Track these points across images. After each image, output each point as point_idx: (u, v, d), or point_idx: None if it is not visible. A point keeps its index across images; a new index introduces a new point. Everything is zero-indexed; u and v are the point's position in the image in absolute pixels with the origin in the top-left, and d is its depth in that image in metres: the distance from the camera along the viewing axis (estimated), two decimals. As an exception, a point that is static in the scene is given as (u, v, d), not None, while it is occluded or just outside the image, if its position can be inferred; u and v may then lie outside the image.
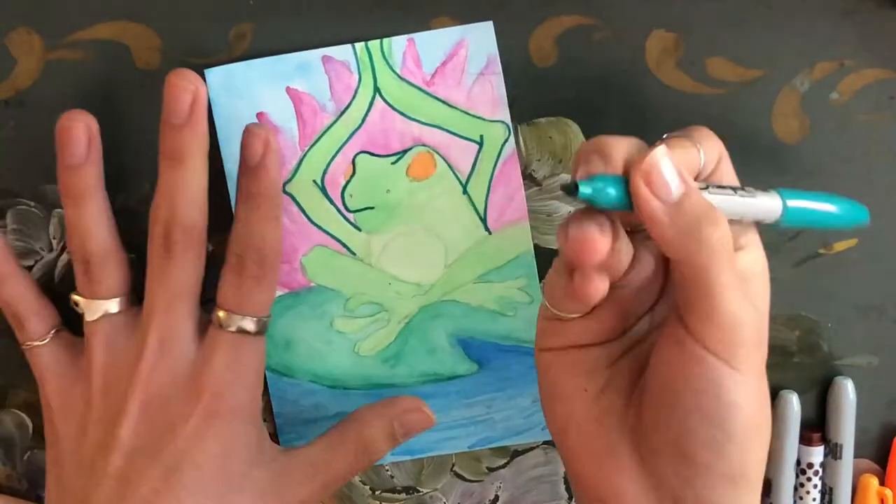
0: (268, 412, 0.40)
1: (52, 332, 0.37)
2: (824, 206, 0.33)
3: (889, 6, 0.38)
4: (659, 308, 0.33)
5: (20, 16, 0.36)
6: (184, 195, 0.34)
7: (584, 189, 0.28)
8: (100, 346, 0.35)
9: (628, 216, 0.29)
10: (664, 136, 0.31)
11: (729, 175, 0.32)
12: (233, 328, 0.34)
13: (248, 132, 0.34)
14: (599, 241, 0.28)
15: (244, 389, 0.34)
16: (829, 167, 0.40)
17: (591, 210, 0.29)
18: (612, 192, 0.28)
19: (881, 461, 0.42)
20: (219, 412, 0.34)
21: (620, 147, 0.29)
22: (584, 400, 0.32)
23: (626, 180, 0.29)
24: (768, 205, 0.31)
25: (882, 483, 0.42)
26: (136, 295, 0.36)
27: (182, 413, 0.34)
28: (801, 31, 0.38)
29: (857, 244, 0.40)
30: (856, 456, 0.42)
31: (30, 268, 0.39)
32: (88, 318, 0.35)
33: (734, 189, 0.31)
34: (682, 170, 0.29)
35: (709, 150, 0.31)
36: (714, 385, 0.29)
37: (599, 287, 0.30)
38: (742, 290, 0.29)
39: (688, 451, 0.29)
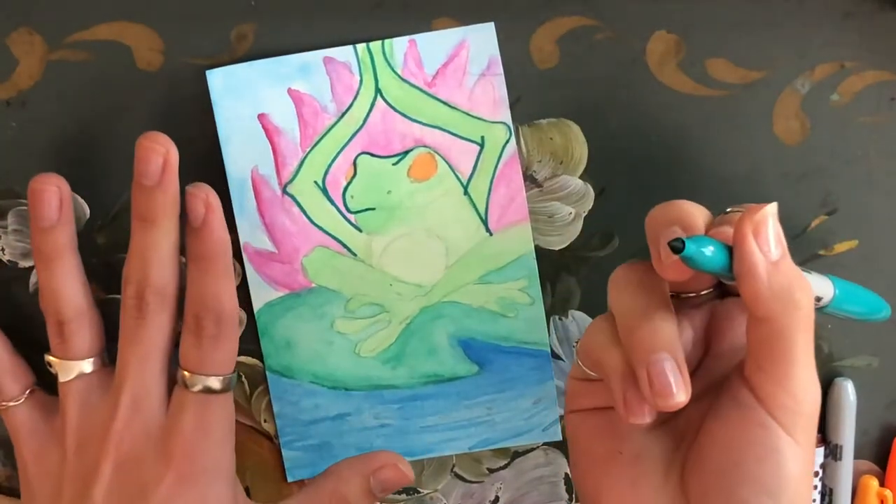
0: (268, 413, 0.40)
1: (27, 392, 0.37)
2: (860, 303, 0.35)
3: (889, 8, 0.39)
4: (697, 378, 0.32)
5: (22, 16, 0.36)
6: (155, 256, 0.34)
7: (691, 246, 0.28)
8: (73, 406, 0.35)
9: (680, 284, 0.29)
10: (731, 210, 0.31)
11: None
12: (198, 388, 0.34)
13: (188, 194, 0.34)
14: (682, 396, 0.28)
15: (215, 448, 0.34)
16: (830, 168, 0.40)
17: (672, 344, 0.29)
18: (711, 251, 0.28)
19: (881, 462, 0.42)
20: (190, 474, 0.34)
21: (699, 214, 0.30)
22: (619, 464, 0.32)
23: (722, 245, 0.29)
24: (823, 289, 0.32)
25: (882, 484, 0.42)
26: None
27: (154, 476, 0.33)
28: (802, 33, 0.38)
29: (858, 246, 0.40)
30: (856, 457, 0.42)
31: (31, 268, 0.39)
32: (62, 378, 0.35)
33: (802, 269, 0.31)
34: (781, 233, 0.29)
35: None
36: (775, 454, 0.29)
37: (649, 417, 0.30)
38: (812, 363, 0.29)
39: None
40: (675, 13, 0.38)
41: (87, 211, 0.38)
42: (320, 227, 0.38)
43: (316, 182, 0.38)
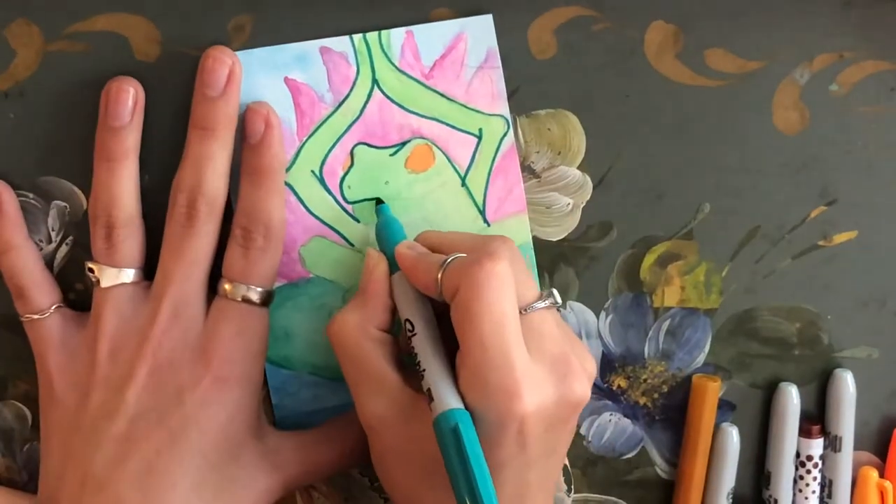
0: (266, 403, 0.40)
1: (54, 307, 0.37)
2: None
3: (888, -2, 0.38)
4: None
5: (19, 7, 0.36)
6: (211, 166, 0.35)
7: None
8: (110, 312, 0.35)
9: None
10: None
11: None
12: (238, 298, 0.35)
13: (249, 110, 0.36)
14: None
15: (251, 357, 0.36)
16: (829, 159, 0.39)
17: None
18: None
19: (881, 453, 0.42)
20: (227, 379, 0.35)
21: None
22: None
23: None
24: None
25: (882, 475, 0.42)
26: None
27: (191, 378, 0.34)
28: (801, 23, 0.38)
29: (857, 236, 0.40)
30: (855, 448, 0.41)
31: (29, 260, 0.39)
32: (104, 283, 0.36)
33: None
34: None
35: (449, 279, 0.33)
36: None
37: None
38: None
39: None
40: (673, 3, 0.38)
41: (85, 202, 0.38)
42: (318, 217, 0.38)
43: (313, 171, 0.38)
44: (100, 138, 0.35)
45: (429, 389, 0.32)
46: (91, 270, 0.36)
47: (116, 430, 0.34)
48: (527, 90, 0.38)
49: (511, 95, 0.38)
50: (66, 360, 0.36)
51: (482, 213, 0.39)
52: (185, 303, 0.35)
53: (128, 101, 0.35)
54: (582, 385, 0.32)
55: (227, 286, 0.35)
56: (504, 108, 0.38)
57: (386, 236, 0.36)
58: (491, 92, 0.38)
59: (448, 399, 0.31)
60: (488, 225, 0.39)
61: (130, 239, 0.36)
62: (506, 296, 0.31)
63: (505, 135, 0.38)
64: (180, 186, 0.35)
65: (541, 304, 0.33)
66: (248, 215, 0.35)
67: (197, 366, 0.34)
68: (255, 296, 0.35)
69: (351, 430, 0.37)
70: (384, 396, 0.33)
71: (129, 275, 0.36)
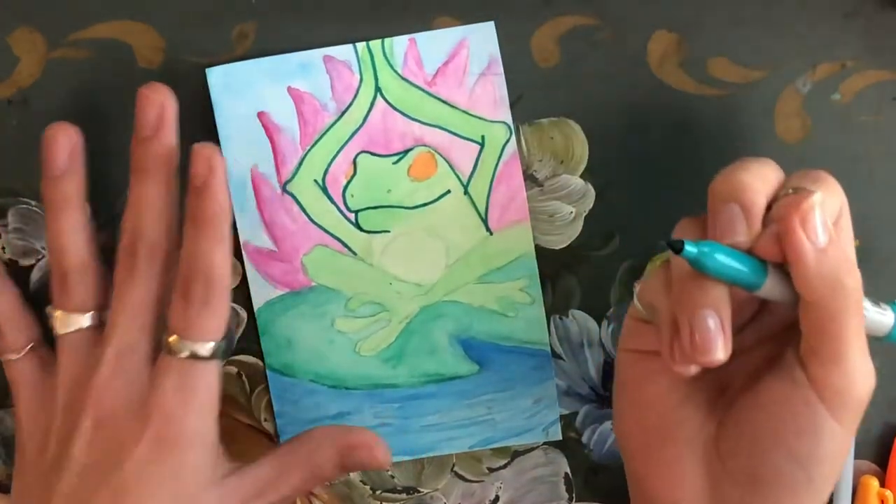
0: (268, 412, 0.40)
1: (29, 346, 0.36)
2: None
3: (891, 7, 0.38)
4: (748, 331, 0.33)
5: (22, 15, 0.36)
6: (148, 208, 0.34)
7: (691, 249, 0.29)
8: (67, 361, 0.35)
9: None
10: (792, 176, 0.31)
11: (846, 231, 0.32)
12: (183, 354, 0.33)
13: (193, 152, 0.33)
14: (721, 354, 0.29)
15: (195, 415, 0.33)
16: (831, 168, 0.39)
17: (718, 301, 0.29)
18: (722, 258, 0.29)
19: (881, 462, 0.42)
20: (168, 438, 0.33)
21: (760, 191, 0.30)
22: (661, 408, 0.32)
23: (736, 255, 0.29)
24: (881, 320, 0.33)
25: (882, 484, 0.42)
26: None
27: (132, 435, 0.33)
28: (803, 33, 0.38)
29: (859, 245, 0.40)
30: (856, 457, 0.41)
31: (30, 267, 0.39)
32: (59, 331, 0.35)
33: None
34: (827, 220, 0.30)
35: (833, 203, 0.31)
36: (816, 431, 0.30)
37: (693, 369, 0.30)
38: (865, 348, 0.30)
39: (764, 484, 0.30)
40: (676, 12, 0.38)
41: (88, 210, 0.38)
42: (320, 226, 0.38)
43: (316, 181, 0.38)
44: (42, 188, 0.35)
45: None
46: (49, 316, 0.35)
47: (65, 485, 0.33)
48: (530, 98, 0.38)
49: (514, 104, 0.38)
50: (34, 406, 0.35)
51: (484, 221, 0.39)
52: (128, 350, 0.33)
53: (64, 149, 0.34)
54: None
55: (169, 339, 0.33)
56: (506, 115, 0.38)
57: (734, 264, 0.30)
58: (493, 99, 0.38)
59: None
60: (491, 233, 0.39)
61: (83, 284, 0.35)
62: None
63: (507, 142, 0.38)
64: (122, 230, 0.34)
65: None
66: (189, 265, 0.33)
67: (138, 422, 0.33)
68: (202, 350, 0.33)
69: (304, 453, 0.36)
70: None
71: (86, 319, 0.35)
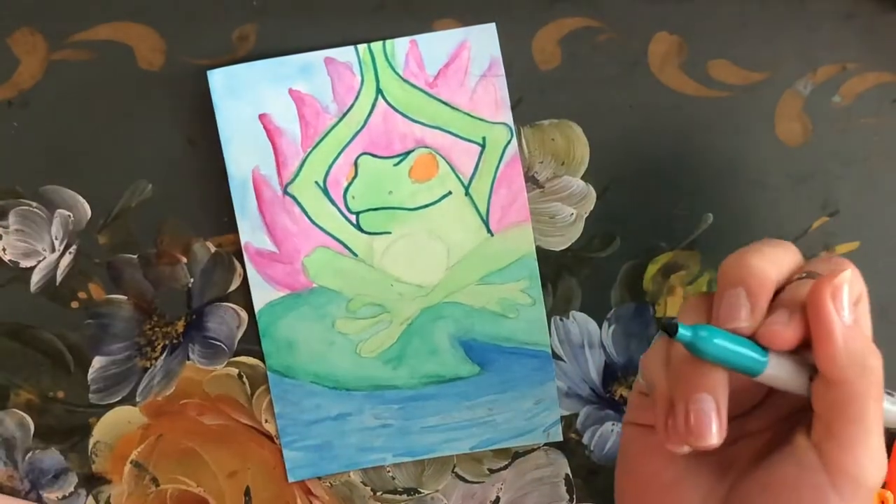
0: (269, 413, 0.40)
1: None
2: None
3: (891, 9, 0.38)
4: (752, 419, 0.32)
5: (23, 16, 0.36)
6: None
7: (685, 333, 0.28)
8: None
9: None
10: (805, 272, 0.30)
11: (867, 316, 0.31)
12: None
13: None
14: (715, 439, 0.28)
15: None
16: (832, 170, 0.40)
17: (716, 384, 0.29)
18: (720, 343, 0.28)
19: (882, 464, 0.42)
20: None
21: (771, 276, 0.29)
22: (658, 484, 0.32)
23: (736, 340, 0.29)
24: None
25: (882, 486, 0.42)
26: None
27: None
28: (804, 35, 0.38)
29: (859, 247, 0.40)
30: (857, 459, 0.41)
31: (32, 268, 0.39)
32: None
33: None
34: (854, 297, 0.29)
35: (856, 287, 0.30)
36: None
37: (687, 449, 0.29)
38: (882, 436, 0.29)
39: None
40: (676, 14, 0.38)
41: (89, 211, 0.38)
42: (321, 228, 0.38)
43: (317, 182, 0.38)
44: None
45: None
46: None
47: None
48: (531, 100, 0.38)
49: (515, 106, 0.38)
50: None
51: (486, 222, 0.39)
52: None
53: None
54: None
55: None
56: (507, 117, 0.38)
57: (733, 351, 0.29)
58: (494, 100, 0.38)
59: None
60: (492, 235, 0.39)
61: None
62: None
63: (508, 143, 0.38)
64: None
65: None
66: None
67: None
68: None
69: None
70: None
71: None
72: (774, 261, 0.30)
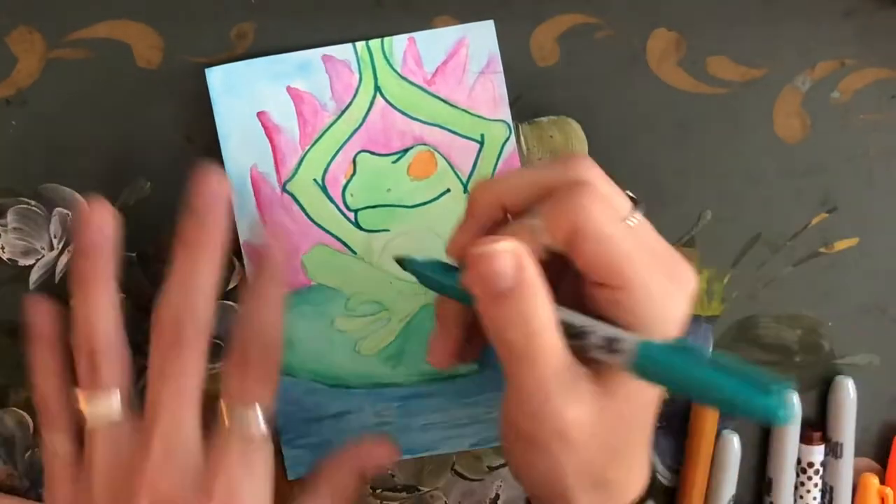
0: (269, 411, 0.40)
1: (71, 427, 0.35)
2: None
3: (889, 6, 0.38)
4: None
5: (21, 14, 0.36)
6: (200, 288, 0.33)
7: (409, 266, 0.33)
8: (103, 448, 0.33)
9: None
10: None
11: (585, 256, 0.30)
12: (242, 423, 0.33)
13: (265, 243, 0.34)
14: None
15: (258, 485, 0.33)
16: (830, 166, 0.40)
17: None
18: (430, 275, 0.33)
19: (882, 460, 0.42)
20: None
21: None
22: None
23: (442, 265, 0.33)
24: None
25: (882, 482, 0.42)
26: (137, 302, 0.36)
27: None
28: (802, 31, 0.38)
29: (858, 243, 0.40)
30: (856, 455, 0.42)
31: (30, 267, 0.39)
32: (88, 412, 0.33)
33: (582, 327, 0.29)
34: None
35: (557, 226, 0.29)
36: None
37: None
38: None
39: None
40: (675, 11, 0.38)
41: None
42: (320, 225, 0.38)
43: (315, 180, 0.38)
44: (73, 263, 0.33)
45: (608, 339, 0.28)
46: (77, 401, 0.34)
47: None
48: (529, 97, 0.38)
49: (513, 103, 0.38)
50: (70, 489, 0.34)
51: (484, 220, 0.39)
52: (177, 430, 0.32)
53: (99, 226, 0.33)
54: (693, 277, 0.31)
55: (226, 408, 0.33)
56: (506, 113, 0.38)
57: (438, 272, 0.33)
58: (493, 97, 0.38)
59: (629, 335, 0.28)
60: (490, 232, 0.39)
61: (111, 363, 0.33)
62: (618, 218, 0.30)
63: (507, 140, 0.38)
64: (166, 309, 0.33)
65: (640, 212, 0.31)
66: (248, 329, 0.33)
67: (199, 501, 0.32)
68: (260, 420, 0.33)
69: (339, 478, 0.36)
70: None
71: (114, 400, 0.33)
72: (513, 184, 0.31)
